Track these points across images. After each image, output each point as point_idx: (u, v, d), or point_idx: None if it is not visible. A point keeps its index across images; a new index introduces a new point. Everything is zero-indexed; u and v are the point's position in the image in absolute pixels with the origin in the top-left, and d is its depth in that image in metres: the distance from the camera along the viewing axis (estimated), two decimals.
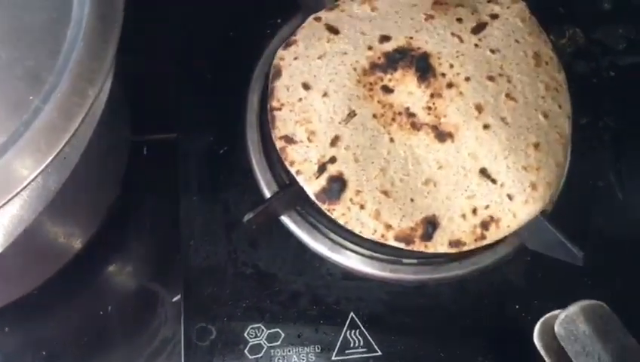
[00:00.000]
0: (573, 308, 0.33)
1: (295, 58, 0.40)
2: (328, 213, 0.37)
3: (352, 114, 0.38)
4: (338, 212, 0.37)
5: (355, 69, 0.39)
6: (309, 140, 0.38)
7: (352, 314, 0.40)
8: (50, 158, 0.31)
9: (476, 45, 0.40)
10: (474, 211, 0.37)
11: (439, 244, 0.37)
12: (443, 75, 0.39)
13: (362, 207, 0.37)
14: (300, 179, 0.37)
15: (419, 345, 0.39)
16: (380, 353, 0.39)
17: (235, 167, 0.43)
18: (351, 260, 0.40)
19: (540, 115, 0.39)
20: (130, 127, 0.47)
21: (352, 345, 0.39)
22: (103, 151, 0.41)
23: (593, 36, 0.49)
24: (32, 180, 0.30)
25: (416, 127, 0.38)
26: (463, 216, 0.37)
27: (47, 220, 0.38)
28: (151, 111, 0.49)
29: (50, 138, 0.31)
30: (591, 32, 0.49)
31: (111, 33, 0.34)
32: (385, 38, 0.40)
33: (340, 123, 0.38)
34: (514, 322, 0.40)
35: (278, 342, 0.39)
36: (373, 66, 0.39)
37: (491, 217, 0.37)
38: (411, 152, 0.38)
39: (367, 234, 0.37)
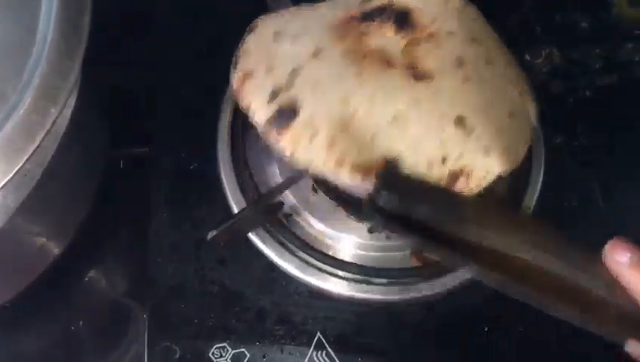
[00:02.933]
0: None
1: (274, 17, 0.38)
2: (276, 145, 0.33)
3: (318, 50, 0.34)
4: (286, 141, 0.33)
5: (329, 22, 0.36)
6: (267, 73, 0.34)
7: (318, 334, 0.39)
8: (9, 177, 0.31)
9: (459, 10, 0.37)
10: (443, 160, 0.33)
11: None
12: (424, 26, 0.35)
13: (314, 135, 0.32)
14: (251, 112, 0.34)
15: None
16: None
17: (205, 184, 0.43)
18: (319, 279, 0.40)
19: (515, 92, 0.36)
20: (106, 141, 0.47)
21: None
22: (72, 164, 0.41)
23: (569, 55, 0.49)
24: None
25: (390, 64, 0.33)
26: (430, 164, 0.33)
27: (14, 232, 0.38)
28: (127, 125, 0.49)
29: (10, 156, 0.31)
30: (567, 51, 0.49)
31: (75, 52, 0.34)
32: (366, 1, 0.37)
33: (303, 59, 0.34)
34: (483, 344, 0.40)
35: None
36: (350, 19, 0.35)
37: (461, 169, 0.33)
38: (382, 85, 0.33)
39: (317, 164, 0.32)
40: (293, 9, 0.39)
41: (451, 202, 0.32)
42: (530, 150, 0.43)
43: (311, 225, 0.42)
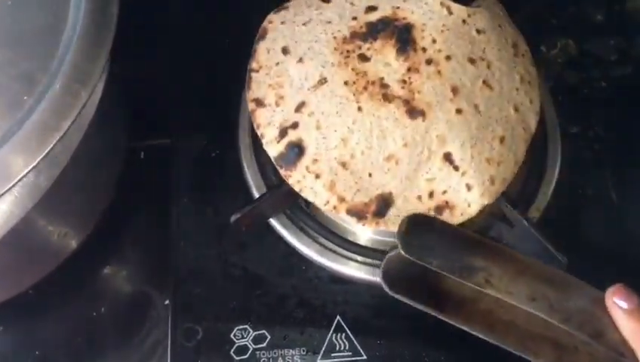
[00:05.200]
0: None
1: (282, 22, 0.40)
2: (285, 178, 0.37)
3: (322, 80, 0.37)
4: (294, 178, 0.37)
5: (335, 38, 0.38)
6: (277, 104, 0.37)
7: (338, 317, 0.40)
8: (41, 156, 0.32)
9: (464, 21, 0.38)
10: (430, 194, 0.37)
11: (391, 223, 0.37)
12: (424, 49, 0.37)
13: (318, 176, 0.36)
14: (263, 143, 0.38)
15: (404, 350, 0.39)
16: (365, 357, 0.39)
17: (226, 170, 0.43)
18: (338, 264, 0.41)
19: (511, 108, 0.38)
20: (128, 132, 0.48)
21: (337, 348, 0.39)
22: (96, 152, 0.42)
23: (585, 47, 0.49)
24: (23, 177, 0.31)
25: (387, 98, 0.36)
26: (419, 197, 0.37)
27: (39, 218, 0.39)
28: (149, 117, 0.50)
29: (42, 137, 0.32)
30: (583, 43, 0.49)
31: (104, 38, 0.35)
32: (371, 9, 0.39)
33: (309, 89, 0.37)
34: None
35: (264, 344, 0.39)
36: (354, 35, 0.38)
37: (447, 203, 0.37)
38: (378, 124, 0.36)
39: (319, 204, 0.37)
40: (301, 4, 0.40)
41: (464, 250, 0.36)
42: (546, 139, 0.44)
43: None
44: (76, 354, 0.45)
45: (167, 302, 0.46)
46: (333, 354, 0.39)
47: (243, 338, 0.39)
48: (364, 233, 0.42)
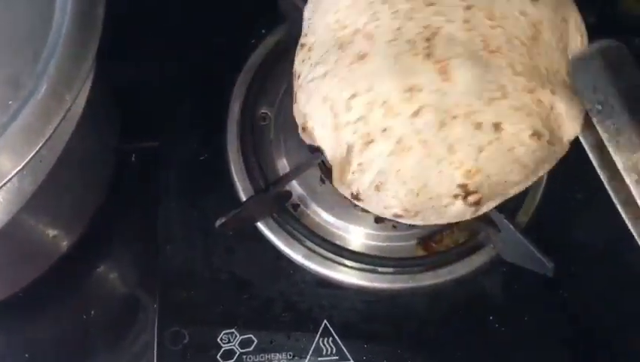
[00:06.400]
0: (591, 46, 0.33)
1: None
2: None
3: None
4: None
5: None
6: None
7: (325, 321, 0.40)
8: (26, 160, 0.31)
9: None
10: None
11: None
12: None
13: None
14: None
15: (391, 355, 0.39)
16: (351, 361, 0.39)
17: (214, 174, 0.43)
18: (326, 268, 0.40)
19: None
20: (118, 135, 0.48)
21: (324, 352, 0.39)
22: (84, 155, 0.41)
23: None
24: (7, 181, 0.31)
25: None
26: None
27: (28, 221, 0.39)
28: (139, 120, 0.50)
29: (27, 140, 0.32)
30: None
31: (90, 40, 0.35)
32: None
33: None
34: (488, 333, 0.40)
35: (251, 348, 0.39)
36: None
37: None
38: None
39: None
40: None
41: None
42: None
43: (318, 215, 0.42)
44: (66, 356, 0.45)
45: (156, 305, 0.46)
46: (320, 359, 0.39)
47: (229, 342, 0.39)
48: (352, 237, 0.42)
